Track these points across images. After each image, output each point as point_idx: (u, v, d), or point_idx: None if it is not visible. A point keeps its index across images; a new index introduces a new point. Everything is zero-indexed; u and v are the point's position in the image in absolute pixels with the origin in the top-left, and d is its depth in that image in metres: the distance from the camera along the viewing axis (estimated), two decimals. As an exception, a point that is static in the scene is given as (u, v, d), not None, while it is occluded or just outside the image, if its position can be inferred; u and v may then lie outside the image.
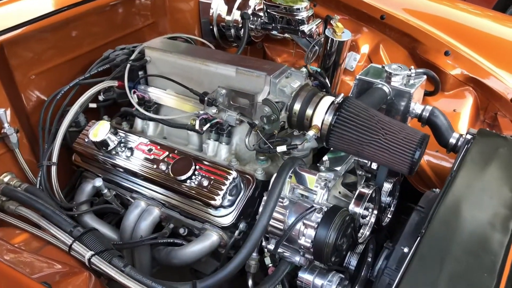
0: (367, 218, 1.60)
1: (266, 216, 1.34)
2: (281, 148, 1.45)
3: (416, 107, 1.71)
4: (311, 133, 1.42)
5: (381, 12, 2.17)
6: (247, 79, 1.54)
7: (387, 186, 1.73)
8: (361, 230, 1.61)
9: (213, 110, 1.57)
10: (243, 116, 1.55)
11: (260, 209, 1.38)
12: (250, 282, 1.54)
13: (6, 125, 1.63)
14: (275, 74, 1.51)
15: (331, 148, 1.62)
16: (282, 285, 1.49)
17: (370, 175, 1.73)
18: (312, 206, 1.37)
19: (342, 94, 1.45)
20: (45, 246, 1.34)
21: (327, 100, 1.46)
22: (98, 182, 1.61)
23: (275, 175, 1.41)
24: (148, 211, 1.61)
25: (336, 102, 1.43)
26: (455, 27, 2.12)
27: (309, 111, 1.46)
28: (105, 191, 1.64)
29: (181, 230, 1.61)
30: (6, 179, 1.62)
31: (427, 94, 1.95)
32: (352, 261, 1.61)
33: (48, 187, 1.66)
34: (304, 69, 1.60)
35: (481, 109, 2.04)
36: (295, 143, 1.47)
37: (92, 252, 1.29)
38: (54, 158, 1.68)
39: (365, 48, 2.24)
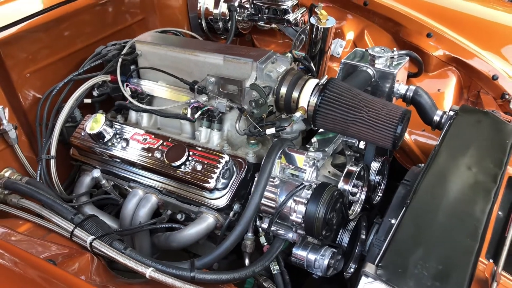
0: (357, 196, 1.66)
1: (258, 194, 1.40)
2: (270, 131, 1.52)
3: (400, 87, 1.77)
4: (298, 114, 1.48)
5: (363, -1, 2.24)
6: (235, 66, 1.60)
7: (375, 165, 1.79)
8: (352, 207, 1.67)
9: (203, 98, 1.63)
10: (232, 102, 1.61)
11: (252, 189, 1.44)
12: (247, 261, 1.60)
13: (4, 121, 1.69)
14: (261, 60, 1.57)
15: (319, 130, 1.68)
16: (277, 262, 1.55)
17: (358, 155, 1.79)
18: (302, 184, 1.43)
19: (326, 76, 1.51)
20: (48, 234, 1.40)
21: (312, 82, 1.52)
22: (96, 173, 1.66)
23: (265, 156, 1.47)
24: (146, 199, 1.67)
25: (321, 84, 1.49)
26: (436, 10, 2.18)
27: (295, 94, 1.52)
28: (103, 181, 1.70)
29: (179, 216, 1.67)
30: (7, 174, 1.67)
31: (411, 75, 2.01)
32: (345, 238, 1.68)
33: (48, 180, 1.72)
34: (289, 54, 1.67)
35: (464, 87, 2.11)
36: (284, 125, 1.53)
37: (93, 237, 1.34)
38: (53, 152, 1.74)
39: (350, 35, 2.31)
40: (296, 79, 1.53)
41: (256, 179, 1.45)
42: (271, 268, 1.54)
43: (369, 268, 1.15)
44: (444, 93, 2.10)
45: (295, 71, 1.60)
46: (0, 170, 1.69)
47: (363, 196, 1.70)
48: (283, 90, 1.54)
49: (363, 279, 1.15)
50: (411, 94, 1.77)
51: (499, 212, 1.42)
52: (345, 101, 1.44)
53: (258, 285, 1.57)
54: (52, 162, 1.73)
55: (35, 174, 1.76)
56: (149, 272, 1.24)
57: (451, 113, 1.72)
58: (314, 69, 1.85)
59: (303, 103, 1.50)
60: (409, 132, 2.06)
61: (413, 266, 1.15)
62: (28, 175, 1.76)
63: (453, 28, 2.10)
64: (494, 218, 1.37)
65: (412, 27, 2.14)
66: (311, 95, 1.49)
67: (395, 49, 1.76)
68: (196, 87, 1.61)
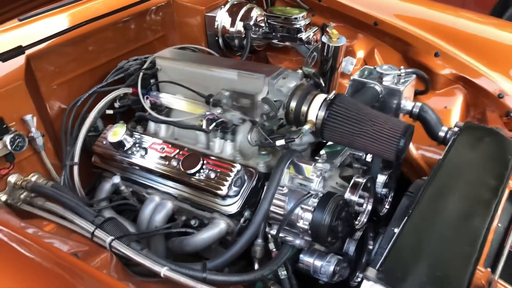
0: (364, 206, 1.73)
1: (267, 201, 1.49)
2: (280, 142, 1.60)
3: (407, 104, 1.85)
4: (306, 127, 1.57)
5: (374, 19, 2.33)
6: (248, 81, 1.70)
7: (382, 178, 1.86)
8: (359, 218, 1.74)
9: (218, 111, 1.73)
10: (245, 114, 1.70)
11: (262, 196, 1.53)
12: (256, 266, 1.67)
13: (33, 129, 1.81)
14: (273, 75, 1.67)
15: (327, 143, 1.76)
16: (285, 268, 1.62)
17: (366, 168, 1.86)
18: (309, 192, 1.51)
19: (334, 92, 1.60)
20: (70, 234, 1.50)
21: (320, 97, 1.61)
22: (116, 179, 1.76)
23: (275, 166, 1.56)
24: (162, 205, 1.76)
25: (328, 98, 1.58)
26: (444, 30, 2.26)
27: (304, 108, 1.61)
28: (123, 187, 1.80)
29: (193, 222, 1.75)
30: (33, 178, 1.79)
31: (418, 93, 2.08)
32: (351, 247, 1.74)
33: (71, 185, 1.83)
34: (299, 71, 1.76)
35: (470, 105, 2.17)
36: (293, 137, 1.61)
37: (113, 237, 1.44)
38: (76, 158, 1.85)
39: (360, 53, 2.40)
40: (306, 94, 1.63)
41: (266, 187, 1.54)
42: (279, 273, 1.61)
43: (371, 272, 1.22)
44: (451, 110, 2.16)
45: (304, 86, 1.70)
46: (27, 174, 1.80)
47: (369, 207, 1.76)
48: (293, 104, 1.63)
49: (365, 282, 1.21)
50: (417, 111, 1.84)
51: (499, 225, 1.47)
52: (351, 115, 1.52)
53: (267, 289, 1.64)
54: (76, 168, 1.84)
55: (59, 179, 1.87)
56: (164, 271, 1.32)
57: (456, 129, 1.78)
58: (324, 85, 1.94)
59: (311, 116, 1.59)
60: (416, 147, 2.13)
61: (412, 271, 1.21)
62: (52, 180, 1.87)
63: (460, 48, 2.17)
64: (493, 230, 1.42)
65: (420, 46, 2.22)
66: (319, 109, 1.58)
67: (402, 67, 1.84)
68: (211, 100, 1.71)
